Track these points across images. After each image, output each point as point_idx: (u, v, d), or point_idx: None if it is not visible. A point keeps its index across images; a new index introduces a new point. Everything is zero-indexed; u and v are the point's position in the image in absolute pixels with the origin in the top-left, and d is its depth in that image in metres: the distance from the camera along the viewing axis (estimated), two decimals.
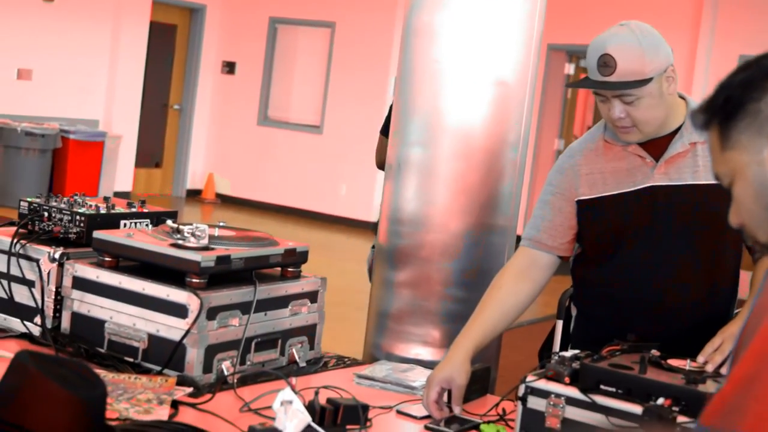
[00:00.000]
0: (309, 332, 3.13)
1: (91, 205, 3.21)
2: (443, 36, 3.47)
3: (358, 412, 2.47)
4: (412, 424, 2.73)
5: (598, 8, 12.58)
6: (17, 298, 3.05)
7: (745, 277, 2.90)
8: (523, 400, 2.56)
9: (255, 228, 3.51)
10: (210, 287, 2.80)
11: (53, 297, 3.01)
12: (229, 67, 15.11)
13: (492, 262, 3.49)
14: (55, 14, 12.66)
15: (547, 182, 3.04)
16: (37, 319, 3.02)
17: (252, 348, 2.92)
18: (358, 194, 13.87)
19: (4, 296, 3.07)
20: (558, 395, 2.51)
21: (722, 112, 1.64)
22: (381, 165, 4.78)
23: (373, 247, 4.00)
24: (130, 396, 2.56)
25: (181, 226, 2.91)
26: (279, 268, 3.11)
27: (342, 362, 3.21)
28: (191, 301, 2.75)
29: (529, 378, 2.57)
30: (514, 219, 3.62)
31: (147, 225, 3.27)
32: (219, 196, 15.10)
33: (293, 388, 2.38)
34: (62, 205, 3.16)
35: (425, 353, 3.49)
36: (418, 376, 3.05)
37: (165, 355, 2.78)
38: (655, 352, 2.62)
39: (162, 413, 2.48)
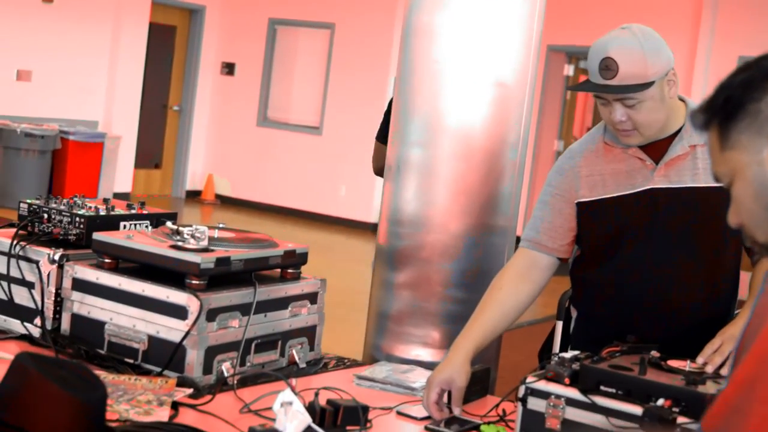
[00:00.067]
0: (309, 333, 3.13)
1: (90, 207, 3.21)
2: (443, 37, 3.47)
3: (358, 413, 2.47)
4: (412, 425, 2.73)
5: (597, 9, 12.58)
6: (17, 300, 3.05)
7: (744, 278, 2.91)
8: (523, 401, 2.56)
9: (254, 229, 3.51)
10: (210, 289, 2.80)
11: (53, 298, 3.01)
12: (229, 68, 15.12)
13: (492, 263, 3.49)
14: (55, 15, 12.67)
15: (547, 183, 3.04)
16: (37, 321, 3.02)
17: (252, 349, 2.92)
18: (357, 195, 13.87)
19: (4, 298, 3.07)
20: (558, 396, 2.51)
21: (722, 112, 1.64)
22: (378, 172, 4.78)
23: None
24: (131, 397, 2.57)
25: (180, 228, 2.91)
26: (279, 270, 3.11)
27: (342, 363, 3.21)
28: (191, 303, 2.75)
29: (529, 379, 2.57)
30: (514, 220, 3.63)
31: (147, 227, 3.27)
32: (218, 197, 15.10)
33: (293, 390, 2.39)
34: (62, 207, 3.16)
35: (425, 354, 3.49)
36: (418, 377, 3.05)
37: (165, 356, 2.78)
38: (654, 354, 2.63)
39: (162, 414, 2.48)
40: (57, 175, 12.40)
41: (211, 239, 2.91)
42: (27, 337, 3.02)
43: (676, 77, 2.82)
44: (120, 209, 3.29)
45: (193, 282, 2.78)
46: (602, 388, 2.48)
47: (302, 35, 14.68)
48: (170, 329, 2.78)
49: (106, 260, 2.95)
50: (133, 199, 11.36)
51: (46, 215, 3.14)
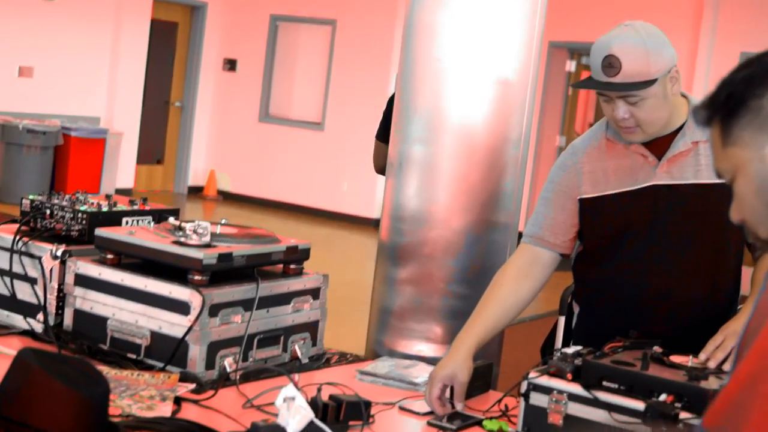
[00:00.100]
0: (311, 329, 3.14)
1: (93, 203, 3.21)
2: (444, 34, 3.47)
3: (360, 409, 2.47)
4: (414, 420, 2.73)
5: (599, 5, 12.57)
6: (20, 296, 3.06)
7: (746, 273, 2.91)
8: (526, 396, 2.57)
9: (256, 225, 3.51)
10: (212, 284, 2.81)
11: (56, 294, 3.01)
12: (231, 65, 15.11)
13: (494, 259, 3.49)
14: (57, 12, 12.67)
15: (549, 179, 3.04)
16: (40, 317, 3.02)
17: (254, 345, 2.92)
18: (359, 191, 13.87)
19: (7, 293, 3.07)
20: (560, 391, 2.52)
21: (724, 108, 1.64)
22: (379, 171, 4.77)
23: None
24: (133, 393, 2.57)
25: (183, 224, 2.91)
26: (281, 265, 3.12)
27: (344, 359, 3.22)
28: (193, 298, 2.75)
29: (532, 374, 2.57)
30: (516, 216, 3.63)
31: (149, 222, 3.27)
32: (220, 192, 15.10)
33: (296, 385, 2.39)
34: (64, 203, 3.16)
35: (427, 349, 3.50)
36: (420, 373, 3.05)
37: (167, 351, 2.78)
38: (657, 349, 2.63)
39: (165, 410, 2.49)
40: (59, 171, 12.40)
41: (213, 235, 2.92)
42: (30, 333, 3.03)
43: (678, 74, 2.82)
44: (122, 205, 3.29)
45: (196, 278, 2.79)
46: (604, 383, 2.48)
47: (304, 31, 14.67)
48: (173, 325, 2.78)
49: (109, 256, 2.95)
50: (136, 195, 11.33)
51: (48, 211, 3.15)
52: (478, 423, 2.68)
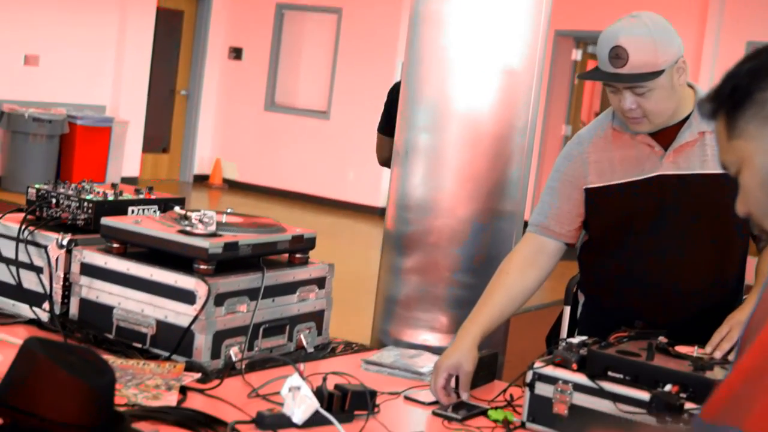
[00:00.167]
0: (317, 318, 3.14)
1: (98, 192, 3.22)
2: (451, 22, 3.46)
3: (366, 398, 2.48)
4: (419, 410, 2.73)
5: None
6: (26, 285, 3.06)
7: (751, 263, 2.91)
8: (531, 386, 2.57)
9: (262, 213, 3.51)
10: (218, 273, 2.81)
11: (62, 283, 3.02)
12: (236, 53, 15.11)
13: (499, 248, 3.49)
14: (62, 0, 12.66)
15: (555, 169, 3.03)
16: (46, 306, 3.02)
17: (260, 334, 2.93)
18: (365, 180, 13.86)
19: (13, 282, 3.08)
20: (566, 381, 2.52)
21: (729, 101, 1.64)
22: (383, 162, 4.77)
23: None
24: (139, 382, 2.57)
25: (188, 213, 2.91)
26: (286, 255, 3.12)
27: (350, 348, 3.22)
28: (199, 288, 2.76)
29: (537, 364, 2.57)
30: (522, 205, 3.63)
31: (155, 211, 3.27)
32: (226, 181, 15.11)
33: (301, 374, 2.40)
34: (70, 192, 3.16)
35: (433, 339, 3.50)
36: (425, 362, 3.05)
37: (173, 341, 2.78)
38: (662, 339, 2.63)
39: (170, 399, 2.49)
40: (65, 159, 12.41)
41: (219, 224, 2.92)
42: (35, 322, 3.03)
43: (685, 65, 2.81)
44: (128, 194, 3.29)
45: (201, 267, 2.79)
46: (610, 373, 2.49)
47: (310, 20, 14.66)
48: (178, 314, 2.79)
49: (115, 245, 2.95)
50: (141, 184, 11.36)
51: (54, 200, 3.15)
52: (484, 412, 2.68)
